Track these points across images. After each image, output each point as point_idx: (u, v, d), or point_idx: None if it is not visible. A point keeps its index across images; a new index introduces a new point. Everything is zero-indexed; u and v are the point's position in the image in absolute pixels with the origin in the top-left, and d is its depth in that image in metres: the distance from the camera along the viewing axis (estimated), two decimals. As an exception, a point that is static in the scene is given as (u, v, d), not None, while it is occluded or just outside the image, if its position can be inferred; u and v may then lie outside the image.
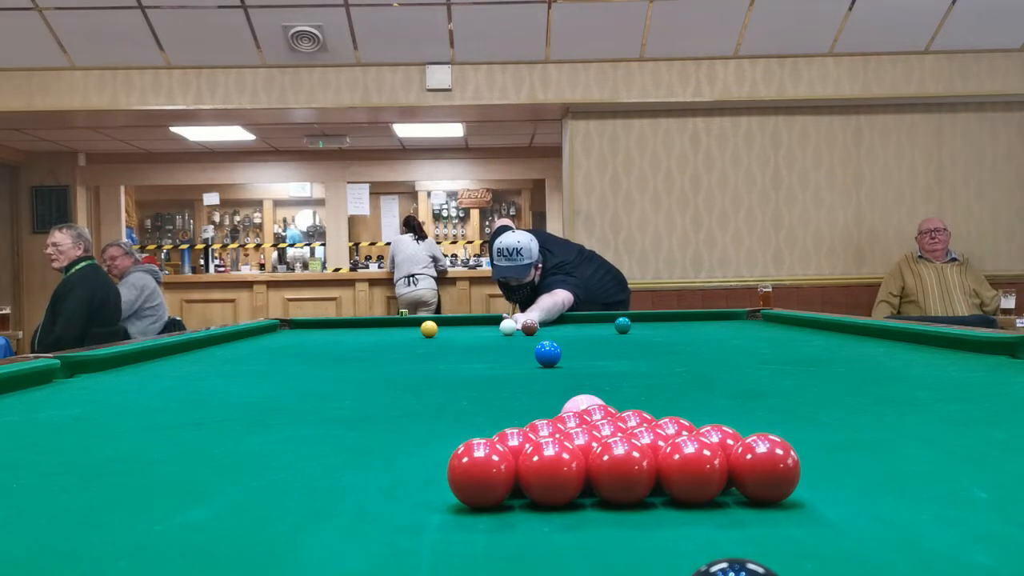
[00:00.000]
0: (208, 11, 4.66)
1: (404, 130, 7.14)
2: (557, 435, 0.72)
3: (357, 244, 8.90)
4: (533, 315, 2.97)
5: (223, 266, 8.37)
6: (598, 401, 0.93)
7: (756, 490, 0.66)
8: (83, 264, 4.20)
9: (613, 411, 0.86)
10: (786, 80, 5.20)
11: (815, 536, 0.59)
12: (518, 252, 3.28)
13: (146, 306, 4.66)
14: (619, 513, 0.65)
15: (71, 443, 1.02)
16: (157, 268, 5.06)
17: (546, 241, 3.60)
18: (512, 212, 10.72)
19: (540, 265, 3.42)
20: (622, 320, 2.72)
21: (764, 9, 4.77)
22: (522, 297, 3.44)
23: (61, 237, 4.21)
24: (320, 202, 9.30)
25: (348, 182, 7.79)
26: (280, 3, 4.60)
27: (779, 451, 0.66)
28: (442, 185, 9.52)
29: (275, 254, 9.09)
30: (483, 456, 0.66)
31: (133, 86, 5.15)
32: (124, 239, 7.13)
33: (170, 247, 9.45)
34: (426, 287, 6.63)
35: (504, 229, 3.57)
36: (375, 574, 0.53)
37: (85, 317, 4.02)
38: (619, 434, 0.71)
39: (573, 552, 0.57)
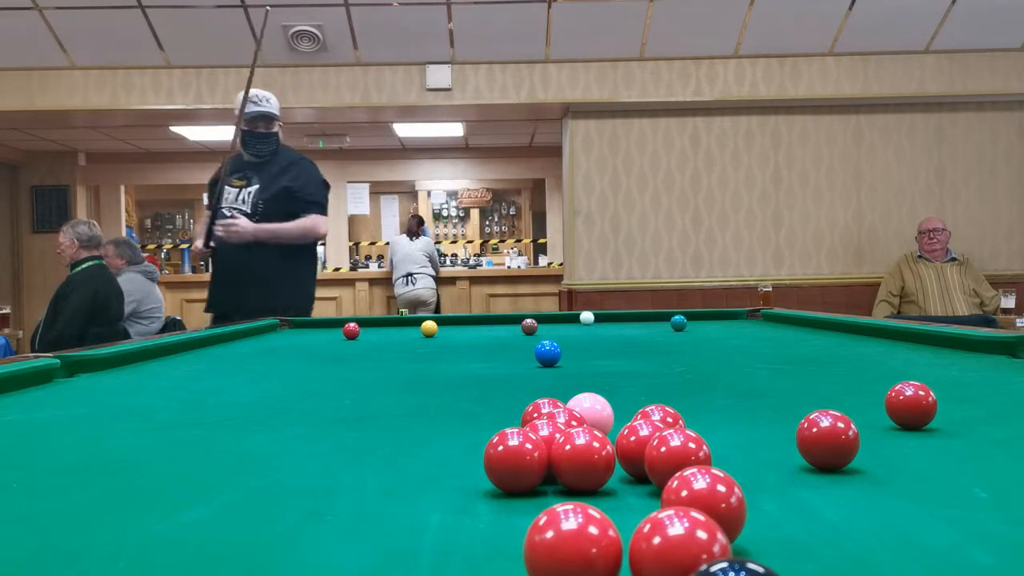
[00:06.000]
0: (208, 11, 4.66)
1: (404, 130, 7.14)
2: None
3: (357, 244, 8.90)
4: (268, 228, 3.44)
5: (223, 266, 8.34)
6: (601, 399, 0.93)
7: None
8: (89, 263, 4.19)
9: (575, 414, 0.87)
10: (786, 80, 5.20)
11: (815, 536, 0.59)
12: (268, 100, 3.64)
13: (141, 309, 4.60)
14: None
15: (71, 443, 1.02)
16: (152, 267, 4.94)
17: None
18: (512, 212, 10.72)
19: (282, 125, 3.68)
20: (678, 319, 2.72)
21: (764, 9, 4.77)
22: (264, 152, 3.66)
23: (62, 236, 4.21)
24: (320, 202, 9.29)
25: (348, 182, 7.79)
26: (280, 3, 4.60)
27: (596, 444, 0.69)
28: (442, 185, 9.52)
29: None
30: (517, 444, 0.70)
31: (133, 86, 5.14)
32: (124, 236, 7.09)
33: (170, 247, 9.45)
34: (424, 286, 6.62)
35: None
36: (375, 574, 0.53)
37: (86, 316, 4.01)
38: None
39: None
